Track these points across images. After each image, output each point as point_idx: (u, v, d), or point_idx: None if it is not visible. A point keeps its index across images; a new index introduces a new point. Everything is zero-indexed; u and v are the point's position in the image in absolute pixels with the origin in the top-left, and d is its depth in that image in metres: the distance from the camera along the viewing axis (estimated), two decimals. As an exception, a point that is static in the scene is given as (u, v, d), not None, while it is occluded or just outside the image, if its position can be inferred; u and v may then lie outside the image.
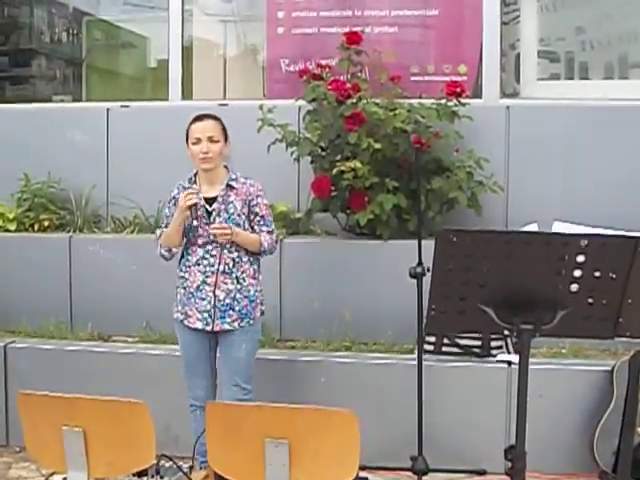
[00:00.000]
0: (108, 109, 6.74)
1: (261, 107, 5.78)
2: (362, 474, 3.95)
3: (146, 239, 6.16)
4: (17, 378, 5.42)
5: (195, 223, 4.59)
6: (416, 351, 4.96)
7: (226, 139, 4.65)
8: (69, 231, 6.43)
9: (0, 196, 6.57)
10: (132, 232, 6.36)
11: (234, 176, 4.66)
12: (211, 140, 4.56)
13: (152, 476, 4.30)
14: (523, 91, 6.58)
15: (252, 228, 4.66)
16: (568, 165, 5.99)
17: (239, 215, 4.60)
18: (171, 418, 4.93)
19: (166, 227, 4.69)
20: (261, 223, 4.66)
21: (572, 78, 6.73)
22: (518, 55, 6.61)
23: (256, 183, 4.69)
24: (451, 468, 4.94)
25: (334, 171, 5.67)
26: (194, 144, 4.59)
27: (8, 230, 6.43)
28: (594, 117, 6.03)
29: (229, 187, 4.62)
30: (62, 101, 7.81)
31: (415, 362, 4.89)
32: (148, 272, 5.95)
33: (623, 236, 2.97)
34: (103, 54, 8.27)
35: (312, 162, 5.95)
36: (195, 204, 4.52)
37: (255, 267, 4.69)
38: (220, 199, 4.61)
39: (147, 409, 3.42)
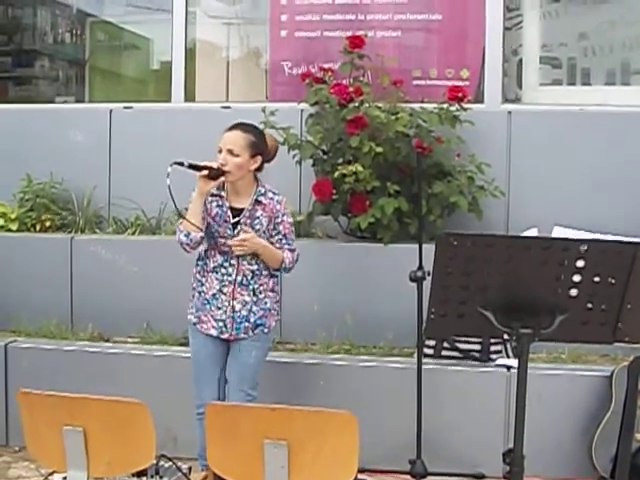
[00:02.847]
0: (111, 110, 6.75)
1: (264, 110, 5.79)
2: (361, 477, 3.97)
3: (147, 240, 6.21)
4: (17, 378, 5.43)
5: (219, 228, 4.49)
6: (416, 355, 4.97)
7: (257, 154, 4.48)
8: (70, 232, 6.44)
9: (2, 196, 6.58)
10: (133, 233, 6.36)
11: (263, 190, 4.54)
12: (231, 153, 4.42)
13: (151, 476, 4.31)
14: (525, 96, 6.59)
15: (272, 244, 4.55)
16: (569, 170, 6.01)
17: (264, 232, 4.51)
18: (171, 419, 4.93)
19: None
20: (283, 242, 4.56)
21: (574, 84, 6.74)
22: (520, 60, 6.63)
23: (283, 200, 4.57)
24: (449, 472, 4.94)
25: (336, 174, 5.68)
26: (219, 152, 4.46)
27: (10, 230, 6.44)
28: (596, 123, 6.04)
29: (257, 202, 4.51)
30: (65, 102, 7.83)
31: (415, 366, 4.90)
32: (149, 273, 5.98)
33: (622, 242, 2.99)
34: (106, 55, 8.29)
35: (314, 165, 5.96)
36: (209, 168, 4.38)
37: (274, 280, 4.63)
38: (247, 213, 4.51)
39: (147, 409, 3.43)
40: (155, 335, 5.82)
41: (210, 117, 6.39)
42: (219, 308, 4.55)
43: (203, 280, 4.59)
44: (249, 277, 4.53)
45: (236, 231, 4.50)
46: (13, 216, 6.49)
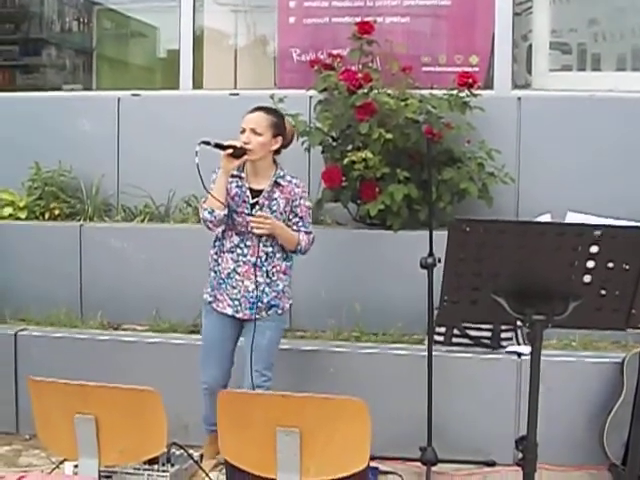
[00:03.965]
0: (119, 98, 6.74)
1: (272, 97, 5.76)
2: (372, 464, 3.96)
3: (156, 228, 6.21)
4: (27, 366, 5.43)
5: (237, 208, 4.61)
6: (426, 342, 4.96)
7: (278, 134, 4.64)
8: (79, 220, 6.43)
9: (11, 184, 6.57)
10: (142, 221, 6.36)
11: (282, 173, 4.68)
12: (254, 132, 4.57)
13: (163, 464, 4.34)
14: (535, 82, 6.55)
15: (289, 227, 4.67)
16: (579, 156, 5.98)
17: (281, 213, 4.64)
18: (181, 407, 4.92)
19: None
20: (300, 224, 4.69)
21: (584, 70, 6.71)
22: (530, 46, 6.59)
23: (301, 184, 4.72)
24: (460, 459, 4.94)
25: (345, 161, 5.66)
26: (241, 133, 4.61)
27: (19, 218, 6.43)
28: (605, 108, 6.01)
29: (276, 184, 4.64)
30: (72, 90, 7.81)
31: (425, 353, 4.89)
32: (158, 261, 5.97)
33: (637, 227, 2.97)
34: (113, 43, 8.28)
35: (323, 152, 5.94)
36: (233, 147, 4.51)
37: (288, 263, 4.74)
38: (265, 194, 4.63)
39: (159, 397, 3.44)
40: (164, 323, 5.82)
41: (218, 104, 6.39)
42: (234, 287, 4.66)
43: (219, 260, 4.70)
44: (263, 259, 4.63)
45: (254, 211, 4.61)
46: (22, 204, 6.48)
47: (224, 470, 3.86)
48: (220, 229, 4.65)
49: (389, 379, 5.13)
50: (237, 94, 6.55)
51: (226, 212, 4.57)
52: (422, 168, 5.70)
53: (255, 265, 4.62)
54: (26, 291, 6.07)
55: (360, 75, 5.83)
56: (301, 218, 4.69)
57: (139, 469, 4.25)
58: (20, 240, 6.24)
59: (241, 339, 4.81)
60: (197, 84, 6.92)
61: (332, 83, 5.85)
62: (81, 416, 3.48)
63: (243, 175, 4.67)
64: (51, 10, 8.18)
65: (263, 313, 4.68)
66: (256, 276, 4.62)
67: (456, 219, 3.05)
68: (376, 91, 5.77)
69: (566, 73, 6.66)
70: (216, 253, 4.72)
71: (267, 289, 4.66)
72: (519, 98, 6.16)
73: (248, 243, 4.63)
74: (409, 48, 6.46)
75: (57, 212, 6.50)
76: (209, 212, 4.55)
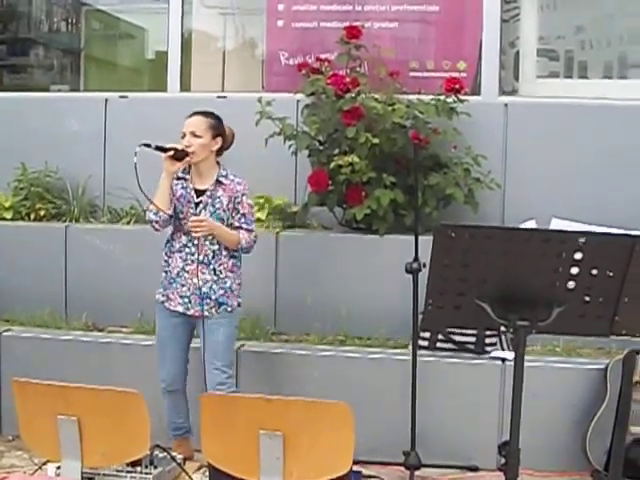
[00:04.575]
0: (106, 99, 6.73)
1: (260, 100, 5.78)
2: (355, 468, 3.96)
3: (142, 230, 6.15)
4: (11, 367, 5.41)
5: (183, 208, 4.78)
6: (410, 346, 4.97)
7: (217, 135, 4.83)
8: (65, 221, 6.42)
9: (-4, 184, 6.56)
10: (128, 223, 6.35)
11: (224, 173, 4.84)
12: (194, 135, 4.76)
13: (146, 466, 4.32)
14: (522, 89, 6.58)
15: (232, 225, 4.81)
16: (565, 163, 6.00)
17: (224, 210, 4.80)
18: (164, 409, 4.93)
19: None
20: (242, 221, 4.82)
21: (571, 77, 6.74)
22: (517, 53, 6.61)
23: (243, 182, 4.86)
24: (443, 464, 4.94)
25: (332, 165, 5.67)
26: (182, 138, 4.79)
27: (4, 219, 6.41)
28: (592, 116, 6.03)
29: (218, 182, 4.81)
30: (59, 91, 7.80)
31: (409, 357, 4.90)
32: (144, 263, 5.94)
33: (621, 234, 2.98)
34: (101, 44, 8.26)
35: (310, 156, 5.95)
36: (175, 149, 4.69)
37: (234, 261, 4.87)
38: (209, 193, 4.80)
39: (142, 399, 3.43)
40: (149, 325, 5.78)
41: (206, 107, 6.36)
42: (183, 285, 4.82)
43: (169, 260, 4.88)
44: (210, 257, 4.79)
45: (198, 210, 4.79)
46: (7, 205, 6.46)
47: (207, 472, 3.85)
48: (167, 230, 4.86)
49: (373, 383, 5.14)
50: (225, 97, 6.55)
51: (171, 213, 4.76)
52: (408, 173, 5.72)
53: (202, 263, 4.76)
54: (11, 291, 6.05)
55: (348, 79, 5.83)
56: (243, 215, 4.82)
57: (122, 471, 4.23)
58: (5, 241, 6.22)
59: (196, 340, 4.92)
60: (185, 86, 6.92)
61: (320, 87, 5.85)
62: (64, 417, 3.47)
63: (188, 177, 4.84)
64: (39, 10, 8.17)
65: (213, 311, 4.79)
66: (203, 273, 4.76)
67: (442, 224, 3.06)
68: (363, 96, 5.79)
69: (553, 80, 6.68)
70: (166, 254, 4.89)
71: (215, 286, 4.79)
72: (506, 104, 6.18)
73: (195, 242, 4.76)
74: (397, 53, 6.47)
75: (43, 213, 6.48)
76: (154, 213, 4.75)
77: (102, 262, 6.07)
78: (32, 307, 5.94)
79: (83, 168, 6.58)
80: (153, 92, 7.07)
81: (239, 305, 4.89)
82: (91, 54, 8.15)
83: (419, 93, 6.09)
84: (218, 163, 4.88)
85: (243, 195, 4.82)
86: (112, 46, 8.22)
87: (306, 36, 6.63)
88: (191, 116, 4.85)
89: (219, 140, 4.83)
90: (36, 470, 4.34)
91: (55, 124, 6.69)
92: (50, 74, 8.17)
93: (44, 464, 4.16)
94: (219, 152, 4.88)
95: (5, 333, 5.60)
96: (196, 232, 4.68)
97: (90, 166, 6.59)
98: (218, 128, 4.84)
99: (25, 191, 6.53)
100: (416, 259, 4.77)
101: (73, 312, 6.03)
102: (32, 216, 6.48)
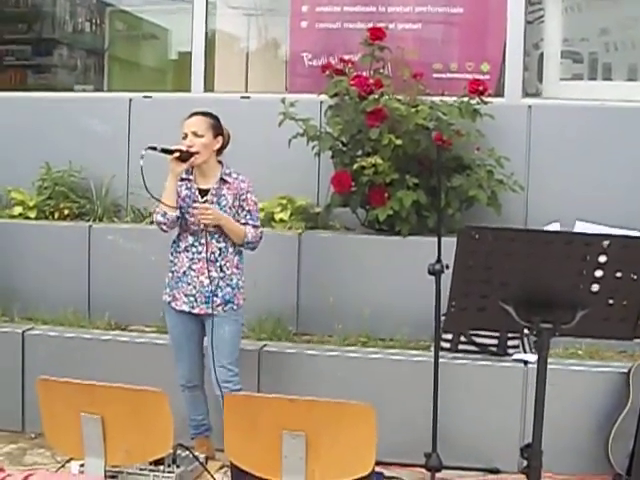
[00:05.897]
0: (130, 99, 6.76)
1: (283, 101, 5.78)
2: (376, 469, 3.96)
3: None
4: (34, 365, 5.45)
5: (188, 209, 4.80)
6: (432, 348, 4.96)
7: (218, 134, 4.86)
8: (88, 220, 6.45)
9: (21, 184, 6.59)
10: (151, 222, 6.35)
11: (228, 171, 4.88)
12: (195, 135, 4.80)
13: (168, 465, 4.34)
14: (545, 91, 6.56)
15: (239, 222, 4.84)
16: (589, 166, 5.98)
17: (230, 208, 4.83)
18: (185, 407, 4.95)
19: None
20: (248, 217, 4.87)
21: (595, 79, 6.71)
22: (541, 55, 6.60)
23: (247, 179, 4.90)
24: (465, 466, 4.94)
25: (354, 166, 5.68)
26: (183, 139, 4.83)
27: (28, 217, 6.45)
28: (616, 118, 6.01)
29: (222, 181, 4.85)
30: (84, 90, 7.84)
31: (431, 359, 4.89)
32: (166, 263, 5.97)
33: (645, 237, 2.98)
34: (125, 45, 8.30)
35: (333, 157, 5.95)
36: (180, 151, 4.74)
37: (239, 258, 4.91)
38: (213, 191, 4.84)
39: (166, 398, 3.45)
40: (171, 324, 5.82)
41: (229, 107, 6.35)
42: (189, 284, 4.86)
43: (175, 260, 4.91)
44: (217, 254, 4.83)
45: None
46: (32, 204, 6.50)
47: (229, 472, 3.86)
48: (174, 230, 4.89)
49: (395, 385, 5.14)
50: (248, 97, 6.57)
51: (178, 214, 4.81)
52: (431, 174, 5.71)
53: (209, 260, 4.80)
54: (34, 290, 6.09)
55: (371, 81, 5.84)
56: (249, 211, 4.86)
57: (144, 469, 4.25)
58: (29, 239, 6.25)
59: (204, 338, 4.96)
60: (208, 87, 6.94)
61: (343, 88, 5.86)
62: (88, 415, 3.49)
63: (191, 177, 4.89)
64: (63, 10, 8.21)
65: (219, 309, 4.82)
66: (210, 271, 4.79)
67: (466, 226, 3.06)
68: (387, 97, 5.78)
69: (577, 82, 6.65)
70: (172, 254, 4.93)
71: (222, 283, 4.83)
72: (529, 106, 6.17)
73: (202, 241, 4.80)
74: (420, 55, 6.47)
75: (66, 212, 6.51)
76: (162, 215, 4.80)
77: (125, 262, 6.09)
78: (55, 306, 5.97)
79: (107, 168, 6.60)
80: (177, 92, 7.09)
81: (244, 301, 4.93)
82: (115, 54, 8.19)
83: (442, 95, 6.09)
84: (220, 162, 4.92)
85: (248, 192, 4.86)
86: (136, 46, 8.25)
87: (330, 37, 6.64)
88: (190, 117, 4.90)
89: (220, 139, 4.87)
90: (59, 468, 4.37)
91: (79, 124, 6.72)
92: (74, 74, 8.22)
93: (67, 462, 4.19)
94: (219, 151, 4.91)
95: (29, 332, 5.64)
96: (203, 219, 4.71)
97: (114, 166, 6.60)
98: (218, 127, 4.89)
99: (49, 190, 6.57)
100: (439, 260, 4.76)
101: (96, 311, 6.06)
102: (56, 215, 6.51)
